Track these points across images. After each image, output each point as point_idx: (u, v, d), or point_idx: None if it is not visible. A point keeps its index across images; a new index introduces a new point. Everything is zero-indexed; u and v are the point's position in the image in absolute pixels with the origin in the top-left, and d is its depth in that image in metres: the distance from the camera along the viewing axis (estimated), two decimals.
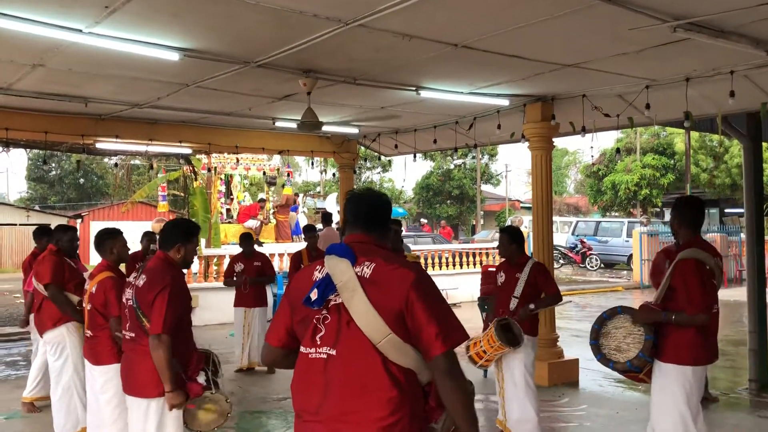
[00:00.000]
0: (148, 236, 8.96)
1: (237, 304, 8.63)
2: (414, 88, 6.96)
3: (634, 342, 4.04)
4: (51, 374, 5.78)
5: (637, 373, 4.11)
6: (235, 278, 8.58)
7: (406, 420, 2.24)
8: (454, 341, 2.27)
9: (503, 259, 5.76)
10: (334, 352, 2.30)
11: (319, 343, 2.34)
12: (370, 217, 2.50)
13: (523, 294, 5.42)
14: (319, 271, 2.43)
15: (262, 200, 18.23)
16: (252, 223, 16.55)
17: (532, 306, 5.38)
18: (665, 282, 4.03)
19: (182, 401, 3.73)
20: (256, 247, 9.57)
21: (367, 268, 2.33)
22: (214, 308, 12.10)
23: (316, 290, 2.35)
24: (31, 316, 6.57)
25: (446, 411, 2.34)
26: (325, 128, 9.10)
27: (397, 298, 2.26)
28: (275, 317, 2.58)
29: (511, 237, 5.62)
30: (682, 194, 27.96)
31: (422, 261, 14.57)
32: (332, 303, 2.35)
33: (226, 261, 12.98)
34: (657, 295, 4.12)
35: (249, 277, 8.49)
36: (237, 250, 13.28)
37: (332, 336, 2.32)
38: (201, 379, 3.90)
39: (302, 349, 2.41)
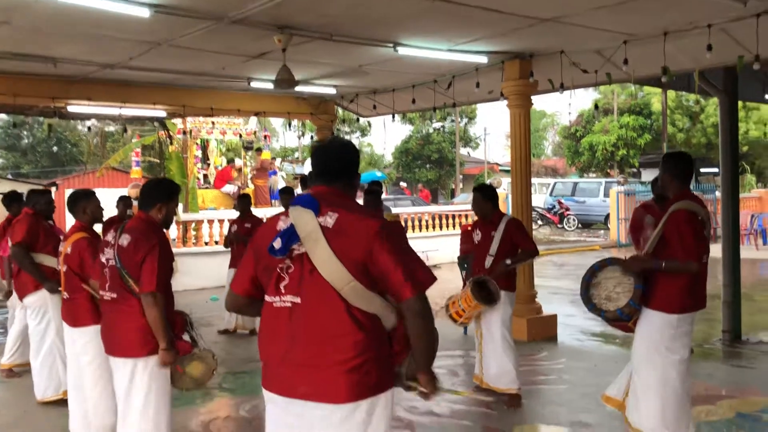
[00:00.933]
0: (124, 201, 8.82)
1: (231, 265, 8.66)
2: (392, 45, 6.87)
3: (624, 291, 4.08)
4: (32, 338, 5.72)
5: (626, 321, 4.14)
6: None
7: (372, 362, 2.30)
8: (423, 284, 2.31)
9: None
10: (298, 300, 2.35)
11: (283, 291, 2.38)
12: (333, 167, 2.50)
13: (498, 251, 5.42)
14: (284, 221, 2.45)
15: (232, 161, 18.03)
16: (229, 189, 16.35)
17: (508, 261, 5.40)
18: (657, 233, 4.04)
19: (174, 359, 3.69)
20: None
21: (330, 218, 2.34)
22: (192, 273, 12.03)
23: (279, 239, 2.37)
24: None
25: (410, 355, 2.39)
26: (301, 88, 8.98)
27: (359, 248, 2.28)
28: (240, 266, 2.60)
29: (484, 195, 5.58)
30: (659, 154, 28.26)
31: (402, 223, 14.59)
32: (296, 252, 2.37)
33: (205, 226, 12.95)
34: (647, 247, 4.12)
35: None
36: (214, 215, 13.34)
37: (296, 284, 2.36)
38: (186, 338, 3.88)
39: (267, 298, 2.45)
